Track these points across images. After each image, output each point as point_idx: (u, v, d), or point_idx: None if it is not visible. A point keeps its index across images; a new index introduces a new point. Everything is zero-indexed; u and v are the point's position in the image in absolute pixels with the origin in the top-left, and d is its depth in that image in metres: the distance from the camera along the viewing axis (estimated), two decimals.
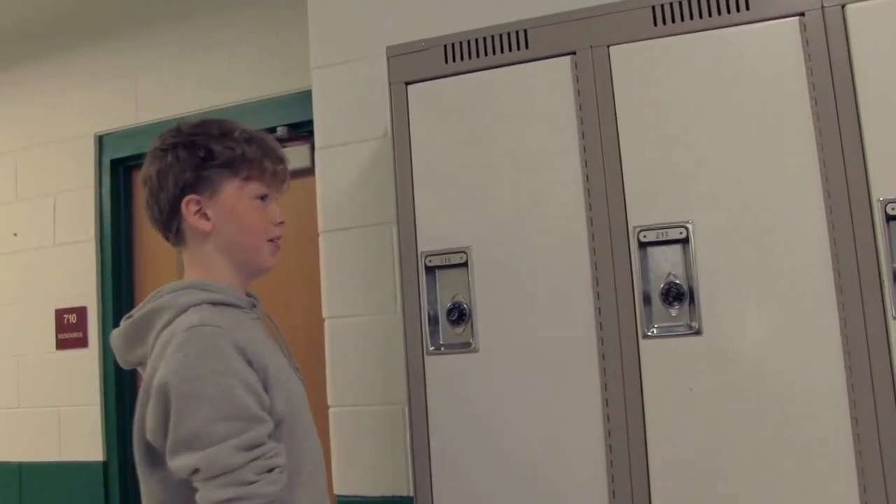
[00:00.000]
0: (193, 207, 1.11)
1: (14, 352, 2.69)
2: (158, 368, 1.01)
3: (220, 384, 0.96)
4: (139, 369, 1.12)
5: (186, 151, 1.11)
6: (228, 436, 0.95)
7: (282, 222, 1.17)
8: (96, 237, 2.59)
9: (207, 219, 1.11)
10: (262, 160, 1.14)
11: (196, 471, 0.95)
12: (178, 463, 0.96)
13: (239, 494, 0.94)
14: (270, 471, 0.97)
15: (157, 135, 1.15)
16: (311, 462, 1.09)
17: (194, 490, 0.98)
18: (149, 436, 1.01)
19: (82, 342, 2.57)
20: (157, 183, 1.11)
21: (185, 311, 1.04)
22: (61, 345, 2.60)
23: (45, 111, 2.75)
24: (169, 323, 1.04)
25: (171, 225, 1.13)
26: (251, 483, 0.95)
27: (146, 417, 1.01)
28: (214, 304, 1.07)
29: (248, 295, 1.18)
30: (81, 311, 2.58)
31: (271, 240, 1.16)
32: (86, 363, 2.56)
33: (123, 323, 1.12)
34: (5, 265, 2.75)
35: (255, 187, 1.13)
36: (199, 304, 1.05)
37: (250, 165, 1.12)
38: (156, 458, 1.03)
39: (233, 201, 1.12)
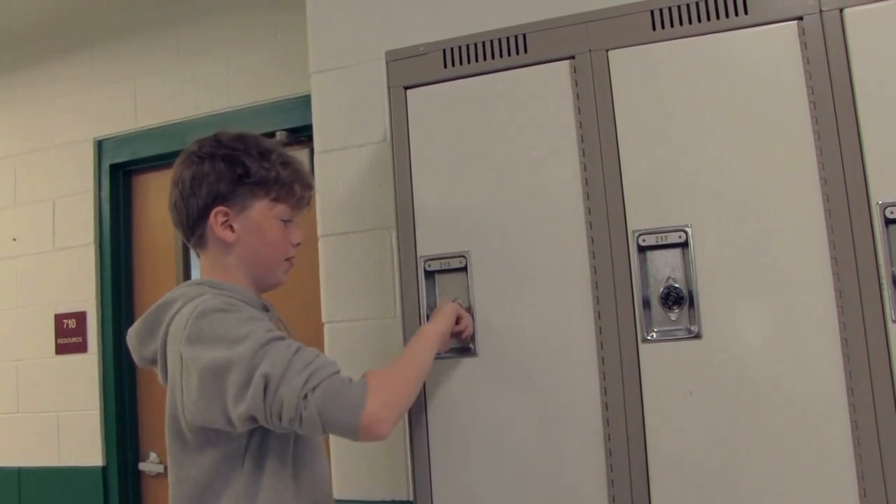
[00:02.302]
0: (221, 218, 1.14)
1: (13, 356, 2.69)
2: (179, 341, 1.04)
3: (248, 327, 1.01)
4: (154, 368, 1.14)
5: (225, 164, 1.14)
6: (274, 349, 1.00)
7: (299, 244, 1.22)
8: (96, 242, 2.59)
9: (232, 231, 1.15)
10: (293, 185, 1.19)
11: (266, 383, 0.97)
12: (255, 389, 0.97)
13: (309, 371, 0.99)
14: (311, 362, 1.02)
15: (195, 139, 1.19)
16: (310, 449, 1.17)
17: (230, 469, 1.04)
18: (188, 412, 1.03)
19: (82, 347, 2.56)
20: (190, 188, 1.14)
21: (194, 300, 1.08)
22: (61, 349, 2.60)
23: (45, 116, 2.75)
24: (179, 311, 1.07)
25: (195, 229, 1.16)
26: (312, 361, 1.01)
27: (182, 398, 1.04)
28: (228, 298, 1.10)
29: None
30: (81, 316, 2.57)
31: (287, 258, 1.21)
32: (85, 368, 2.56)
33: (137, 321, 1.15)
34: (5, 270, 2.75)
35: (282, 209, 1.18)
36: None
37: (281, 188, 1.17)
38: (201, 439, 1.05)
39: (260, 219, 1.16)
